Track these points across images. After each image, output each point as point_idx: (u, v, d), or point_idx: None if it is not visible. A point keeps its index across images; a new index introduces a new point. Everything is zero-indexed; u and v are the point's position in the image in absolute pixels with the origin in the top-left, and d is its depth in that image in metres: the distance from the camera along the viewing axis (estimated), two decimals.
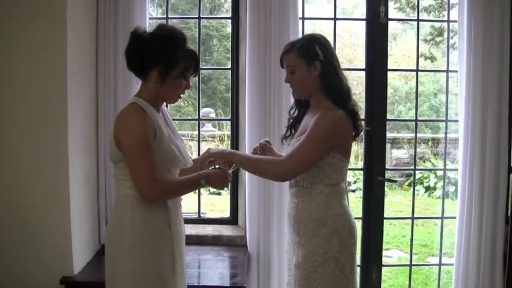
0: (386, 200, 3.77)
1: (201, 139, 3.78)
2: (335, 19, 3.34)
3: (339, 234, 2.15)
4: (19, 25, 2.63)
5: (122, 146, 1.97)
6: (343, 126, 2.14)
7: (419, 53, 3.80)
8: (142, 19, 3.05)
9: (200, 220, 3.52)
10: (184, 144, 2.23)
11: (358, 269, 3.28)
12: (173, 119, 2.29)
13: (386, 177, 3.36)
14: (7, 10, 2.63)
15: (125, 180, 2.02)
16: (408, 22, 11.24)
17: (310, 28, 7.91)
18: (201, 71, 3.07)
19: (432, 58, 10.72)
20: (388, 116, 7.33)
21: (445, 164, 3.61)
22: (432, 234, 6.69)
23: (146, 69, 2.03)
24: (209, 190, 8.40)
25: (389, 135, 8.98)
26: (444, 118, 3.47)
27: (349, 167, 2.34)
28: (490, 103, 3.06)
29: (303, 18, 3.24)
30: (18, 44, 2.65)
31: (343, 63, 10.78)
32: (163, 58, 2.00)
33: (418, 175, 8.67)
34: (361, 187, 3.53)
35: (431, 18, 10.74)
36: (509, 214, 3.15)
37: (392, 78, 11.03)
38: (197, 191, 3.67)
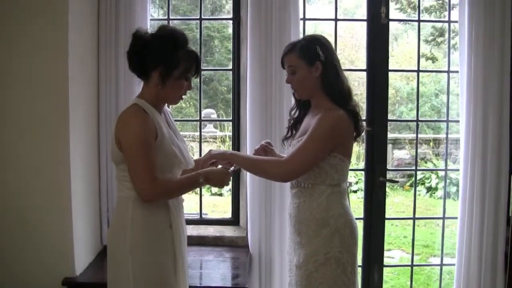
0: (388, 200, 3.78)
1: (202, 140, 3.78)
2: (336, 19, 3.35)
3: (340, 234, 2.15)
4: (19, 25, 2.63)
5: (122, 146, 1.98)
6: (344, 126, 2.15)
7: (420, 54, 3.80)
8: (143, 20, 3.05)
9: (202, 221, 3.53)
10: (186, 145, 2.23)
11: (359, 270, 3.29)
12: (175, 120, 2.29)
13: (387, 178, 3.36)
14: (7, 10, 2.63)
15: (127, 181, 2.02)
16: (409, 22, 11.22)
17: (312, 29, 7.91)
18: (203, 72, 3.08)
19: (433, 59, 10.70)
20: (390, 117, 7.34)
21: (446, 165, 3.61)
22: (434, 235, 6.68)
23: (148, 70, 2.04)
24: (210, 191, 8.41)
25: (390, 135, 8.98)
26: (445, 119, 3.47)
27: (351, 167, 2.34)
28: (491, 103, 3.06)
29: (304, 19, 3.25)
30: (18, 44, 2.65)
31: (345, 64, 10.84)
32: (164, 59, 2.00)
33: (419, 175, 8.66)
34: (363, 187, 3.53)
35: (432, 18, 10.72)
36: (510, 214, 3.16)
37: (394, 79, 11.03)
38: (198, 192, 3.69)
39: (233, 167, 2.21)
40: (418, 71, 3.58)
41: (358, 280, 2.28)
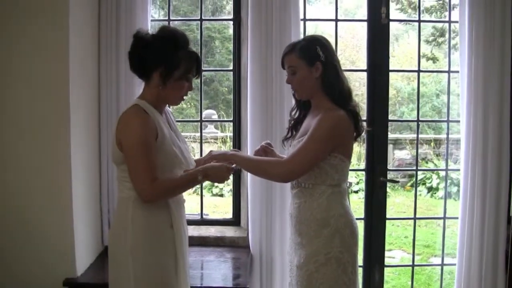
0: (389, 201, 3.78)
1: (203, 141, 3.79)
2: (336, 20, 3.35)
3: (341, 235, 2.15)
4: (19, 25, 2.63)
5: (123, 146, 1.99)
6: (344, 126, 2.15)
7: (421, 54, 3.81)
8: (144, 21, 3.06)
9: (203, 221, 3.53)
10: (187, 146, 2.23)
11: (360, 270, 3.29)
12: (176, 121, 2.30)
13: (388, 178, 3.37)
14: (7, 10, 2.63)
15: (128, 181, 2.02)
16: (410, 23, 11.22)
17: (312, 29, 7.90)
18: (203, 73, 3.07)
19: (434, 59, 10.69)
20: (391, 117, 7.31)
21: (447, 165, 3.60)
22: (434, 235, 6.68)
23: (148, 71, 2.05)
24: (211, 191, 8.42)
25: (391, 136, 8.98)
26: (446, 119, 3.47)
27: (352, 168, 2.34)
28: (492, 103, 3.06)
29: (305, 20, 3.25)
30: (18, 44, 2.65)
31: (346, 65, 10.85)
32: (165, 60, 2.01)
33: (420, 175, 8.65)
34: (364, 188, 3.53)
35: (432, 19, 10.72)
36: (511, 214, 3.16)
37: (395, 79, 11.03)
38: (199, 192, 3.69)
39: (233, 166, 2.20)
40: (418, 71, 3.58)
41: (359, 280, 2.28)
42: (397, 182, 7.19)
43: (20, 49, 2.65)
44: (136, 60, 2.06)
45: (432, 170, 8.61)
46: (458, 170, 3.36)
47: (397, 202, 8.19)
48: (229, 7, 9.64)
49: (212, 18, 11.72)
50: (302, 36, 3.03)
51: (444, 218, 3.52)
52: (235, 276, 2.88)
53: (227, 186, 8.14)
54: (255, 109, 3.09)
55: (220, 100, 11.94)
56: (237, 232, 3.37)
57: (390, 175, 3.40)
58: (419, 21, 3.55)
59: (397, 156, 9.47)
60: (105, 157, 3.11)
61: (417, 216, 3.59)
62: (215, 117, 10.05)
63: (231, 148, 3.18)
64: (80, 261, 2.78)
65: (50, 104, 2.66)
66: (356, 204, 5.88)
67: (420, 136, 5.72)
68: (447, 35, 6.66)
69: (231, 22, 3.37)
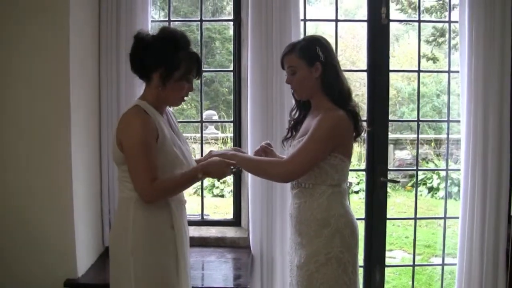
0: (390, 201, 3.78)
1: (204, 142, 3.79)
2: (336, 20, 3.35)
3: (341, 234, 2.15)
4: (19, 25, 2.63)
5: (123, 147, 1.99)
6: (344, 126, 2.15)
7: (422, 54, 3.81)
8: (144, 21, 3.06)
9: (204, 222, 3.53)
10: (188, 146, 2.24)
11: (361, 270, 3.29)
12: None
13: (388, 178, 3.37)
14: (7, 10, 2.63)
15: (128, 182, 2.03)
16: (410, 23, 11.22)
17: (312, 30, 7.91)
18: (204, 74, 3.08)
19: (434, 59, 10.70)
20: (391, 117, 7.30)
21: (447, 165, 3.61)
22: (435, 235, 6.68)
23: (149, 71, 2.05)
24: (212, 192, 8.43)
25: (392, 136, 8.98)
26: (446, 119, 3.47)
27: (352, 168, 2.34)
28: (492, 103, 3.06)
29: (305, 20, 3.25)
30: (18, 44, 2.65)
31: (346, 65, 10.85)
32: (165, 61, 2.01)
33: (421, 175, 8.66)
34: (364, 188, 3.53)
35: (432, 19, 10.72)
36: (511, 213, 3.15)
37: (395, 79, 11.03)
38: (200, 193, 3.69)
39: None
40: (418, 71, 3.58)
41: (359, 280, 2.28)
42: (398, 182, 7.18)
43: (20, 49, 2.65)
44: (137, 61, 2.07)
45: (433, 170, 8.61)
46: (459, 170, 3.36)
47: (397, 202, 8.20)
48: (229, 7, 9.65)
49: (212, 19, 11.74)
50: (302, 37, 3.03)
51: (445, 218, 3.52)
52: (236, 276, 2.88)
53: (228, 187, 8.14)
54: (256, 110, 3.09)
55: (221, 100, 11.95)
56: (237, 233, 3.37)
57: (390, 175, 3.40)
58: (419, 21, 3.55)
59: (397, 156, 9.47)
60: (106, 157, 3.11)
61: (417, 216, 3.60)
62: (215, 117, 10.06)
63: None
64: (81, 262, 2.77)
65: (50, 104, 2.66)
66: (357, 204, 5.89)
67: (420, 136, 5.72)
68: (447, 35, 6.66)
69: (231, 23, 3.38)
